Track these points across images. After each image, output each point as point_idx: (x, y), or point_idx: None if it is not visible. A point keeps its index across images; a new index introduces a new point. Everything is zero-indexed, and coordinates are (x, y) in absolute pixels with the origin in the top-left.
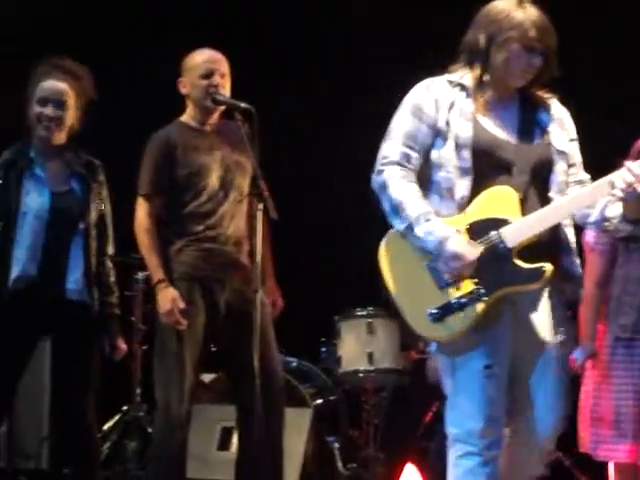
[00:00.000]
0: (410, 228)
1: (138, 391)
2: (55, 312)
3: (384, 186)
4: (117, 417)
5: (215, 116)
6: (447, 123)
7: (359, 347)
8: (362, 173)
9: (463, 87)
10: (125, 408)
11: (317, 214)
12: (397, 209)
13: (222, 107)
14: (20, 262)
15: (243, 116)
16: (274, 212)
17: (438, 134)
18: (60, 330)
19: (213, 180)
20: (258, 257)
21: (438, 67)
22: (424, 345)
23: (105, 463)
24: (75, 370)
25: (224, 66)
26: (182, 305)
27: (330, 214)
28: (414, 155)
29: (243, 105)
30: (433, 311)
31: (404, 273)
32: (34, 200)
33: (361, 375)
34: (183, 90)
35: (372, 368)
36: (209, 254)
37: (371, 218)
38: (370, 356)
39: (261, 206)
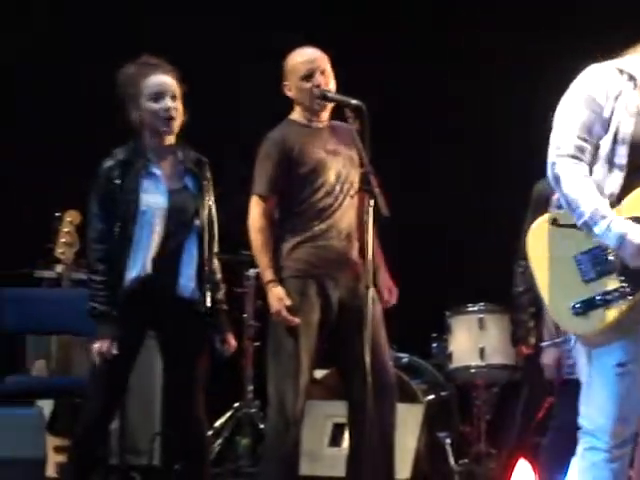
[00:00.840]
0: (586, 225)
1: (250, 388)
2: (167, 309)
3: (558, 180)
4: (229, 414)
5: (325, 113)
6: (612, 113)
7: (470, 343)
8: (477, 167)
9: (632, 77)
10: (237, 405)
11: (430, 208)
12: (572, 205)
13: (330, 104)
14: (138, 261)
15: (353, 113)
16: (385, 208)
17: (605, 125)
18: (171, 326)
19: (330, 176)
20: (369, 253)
21: None
22: (536, 340)
23: (217, 460)
24: (185, 366)
25: (324, 63)
26: (289, 302)
27: (443, 208)
28: (588, 147)
29: (354, 102)
30: (576, 304)
31: (549, 262)
32: (152, 199)
33: (472, 371)
34: (289, 93)
35: (483, 364)
36: (323, 251)
37: (484, 212)
38: (481, 351)
39: (372, 202)
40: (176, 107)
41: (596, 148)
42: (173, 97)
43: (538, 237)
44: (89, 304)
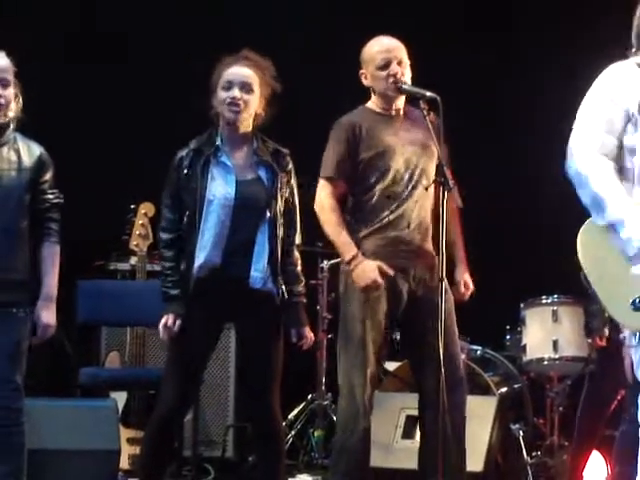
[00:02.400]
0: (612, 227)
1: (323, 380)
2: (239, 300)
3: (583, 178)
4: (302, 405)
5: (400, 102)
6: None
7: (544, 335)
8: (552, 158)
9: None
10: (310, 396)
11: (503, 199)
12: (598, 205)
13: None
14: (205, 250)
15: (428, 105)
16: (459, 200)
17: (629, 120)
18: (245, 318)
19: (399, 162)
20: (442, 245)
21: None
22: (609, 332)
23: (290, 451)
24: (260, 358)
25: (401, 53)
26: (390, 270)
27: (517, 200)
28: (612, 143)
29: (429, 94)
30: (636, 299)
31: (605, 258)
32: (220, 188)
33: (546, 363)
34: (365, 82)
35: (557, 356)
36: (393, 241)
37: (560, 204)
38: (555, 344)
39: (446, 194)
40: (246, 99)
41: (619, 146)
42: (244, 88)
43: (590, 233)
44: (162, 290)
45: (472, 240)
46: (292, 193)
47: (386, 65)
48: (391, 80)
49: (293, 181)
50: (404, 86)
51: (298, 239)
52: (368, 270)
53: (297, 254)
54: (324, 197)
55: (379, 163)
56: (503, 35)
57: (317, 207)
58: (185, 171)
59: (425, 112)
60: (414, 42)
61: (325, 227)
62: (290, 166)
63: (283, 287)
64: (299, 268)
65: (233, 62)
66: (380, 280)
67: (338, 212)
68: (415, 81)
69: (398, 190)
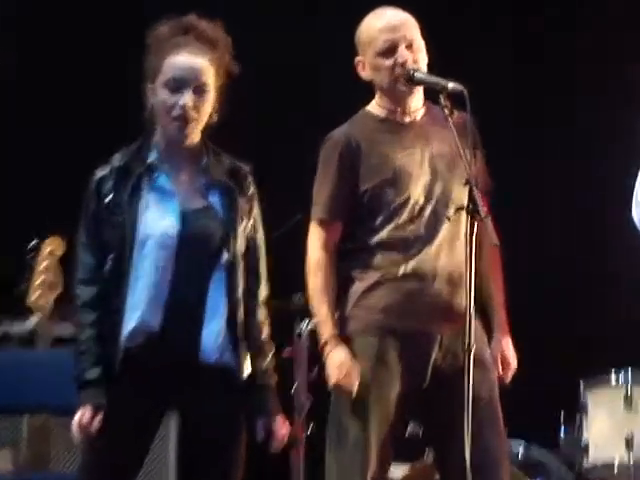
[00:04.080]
0: None
1: None
2: (185, 380)
3: None
4: None
5: (414, 100)
6: None
7: (614, 428)
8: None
9: None
10: None
11: (551, 235)
12: None
13: (421, 88)
14: (138, 310)
15: (451, 100)
16: (493, 235)
17: None
18: (192, 406)
19: (416, 190)
20: (469, 299)
21: None
22: None
23: None
24: (212, 462)
25: (410, 30)
26: (355, 370)
27: (569, 238)
28: None
29: (451, 85)
30: None
31: None
32: (158, 222)
33: (617, 471)
34: (363, 73)
35: (632, 460)
36: (411, 297)
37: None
38: (629, 442)
39: (476, 226)
40: (199, 105)
41: None
42: (198, 90)
43: None
44: (75, 371)
45: (514, 296)
46: (255, 226)
47: (391, 50)
48: (399, 71)
49: (257, 210)
50: (417, 74)
51: (265, 291)
52: (332, 366)
53: (264, 313)
54: (313, 249)
55: (389, 194)
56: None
57: (307, 261)
58: (108, 198)
59: (447, 111)
60: (428, 14)
61: (309, 291)
62: (252, 189)
63: (247, 361)
64: (265, 334)
65: (180, 44)
66: (351, 381)
67: (327, 271)
68: (434, 70)
69: (417, 229)
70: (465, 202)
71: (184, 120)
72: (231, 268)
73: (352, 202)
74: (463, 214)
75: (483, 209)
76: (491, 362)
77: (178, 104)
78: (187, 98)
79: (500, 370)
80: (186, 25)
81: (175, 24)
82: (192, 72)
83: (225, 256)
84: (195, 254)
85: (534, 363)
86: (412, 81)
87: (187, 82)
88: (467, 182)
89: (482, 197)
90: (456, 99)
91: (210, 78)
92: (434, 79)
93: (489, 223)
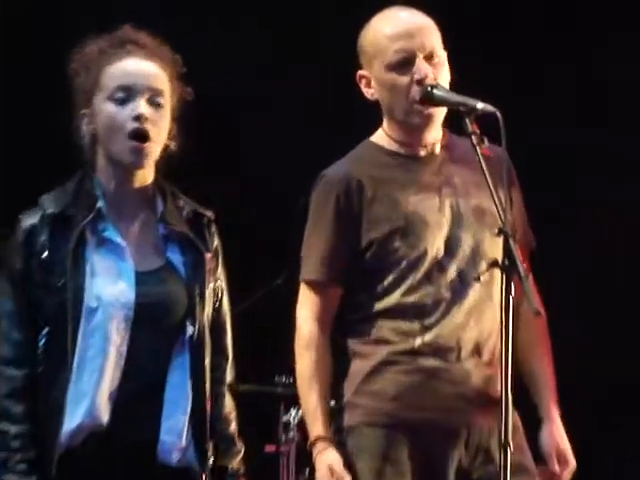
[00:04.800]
0: None
1: None
2: None
3: None
4: None
5: (433, 129)
6: None
7: None
8: None
9: None
10: None
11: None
12: None
13: (442, 111)
14: (83, 401)
15: (480, 126)
16: (535, 301)
17: None
18: None
19: (435, 242)
20: (507, 380)
21: None
22: None
23: None
24: None
25: (430, 37)
26: (348, 477)
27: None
28: None
29: (480, 106)
30: None
31: None
32: (108, 287)
33: None
34: (368, 92)
35: None
36: (429, 379)
37: None
38: None
39: (513, 287)
40: (156, 120)
41: None
42: (154, 99)
43: None
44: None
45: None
46: (221, 289)
47: (406, 62)
48: (416, 91)
49: (221, 268)
50: (438, 92)
51: (231, 374)
52: (320, 471)
53: (229, 401)
54: (304, 319)
55: (400, 247)
56: None
57: (295, 335)
58: (42, 255)
59: (475, 139)
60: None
61: (297, 373)
62: (217, 241)
63: (211, 459)
64: (233, 427)
65: (122, 52)
66: None
67: (321, 349)
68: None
69: (437, 292)
70: (499, 257)
71: (141, 136)
72: (197, 345)
73: (353, 259)
74: (497, 273)
75: (523, 266)
76: (534, 467)
77: (131, 115)
78: (142, 107)
79: (556, 469)
80: (123, 37)
81: (109, 37)
82: (144, 77)
83: (189, 330)
84: (153, 328)
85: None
86: (430, 100)
87: (139, 89)
88: (501, 231)
89: (522, 252)
90: (487, 124)
91: (165, 87)
92: (459, 98)
93: (530, 285)
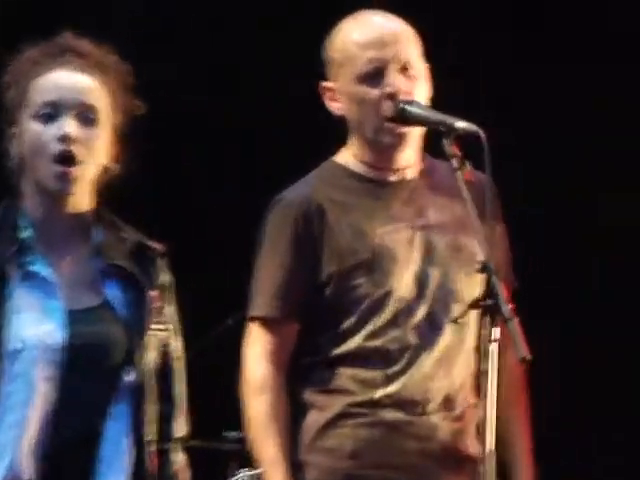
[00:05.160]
0: None
1: None
2: None
3: None
4: None
5: (405, 150)
6: None
7: None
8: None
9: None
10: None
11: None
12: None
13: (417, 131)
14: (3, 454)
15: (460, 147)
16: (522, 346)
17: None
18: None
19: (403, 280)
20: (489, 439)
21: None
22: None
23: None
24: None
25: (405, 47)
26: None
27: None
28: None
29: (461, 125)
30: None
31: None
32: (34, 327)
33: None
34: (333, 107)
35: None
36: (393, 435)
37: None
38: None
39: (496, 332)
40: (87, 140)
41: None
42: (85, 116)
43: None
44: None
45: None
46: (170, 331)
47: (377, 74)
48: (388, 106)
49: (172, 309)
50: (410, 107)
51: (184, 427)
52: None
53: (182, 458)
54: (254, 361)
55: (363, 284)
56: None
57: (245, 379)
58: None
59: (456, 163)
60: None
61: (248, 423)
62: (166, 277)
63: None
64: None
65: (55, 63)
66: None
67: (275, 394)
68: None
69: (403, 337)
70: (480, 297)
71: (67, 159)
72: (138, 394)
73: (311, 293)
74: (471, 316)
75: (508, 307)
76: None
77: (56, 136)
78: (68, 126)
79: None
80: (61, 45)
81: (46, 45)
82: (74, 91)
83: (129, 376)
84: (87, 374)
85: None
86: (404, 119)
87: (67, 104)
88: (484, 268)
89: (506, 291)
90: (468, 145)
91: (102, 103)
92: (437, 116)
93: (517, 328)
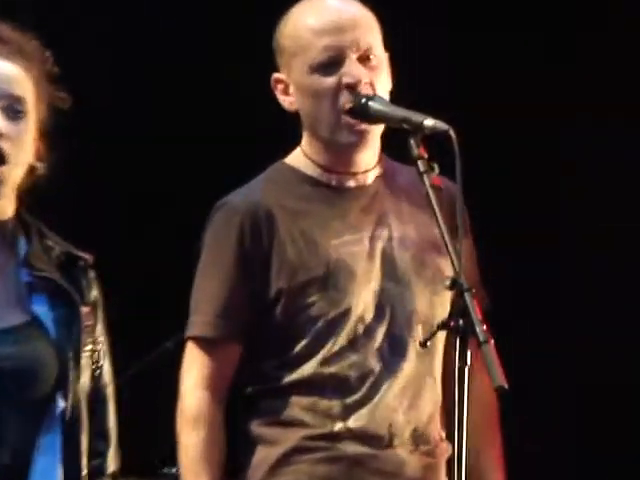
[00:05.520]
0: None
1: None
2: None
3: None
4: None
5: (366, 152)
6: None
7: None
8: None
9: None
10: None
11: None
12: None
13: (378, 129)
14: None
15: (427, 148)
16: (498, 372)
17: None
18: None
19: (362, 300)
20: (463, 474)
21: None
22: None
23: None
24: None
25: (366, 33)
26: None
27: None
28: None
29: (429, 123)
30: None
31: None
32: None
33: None
34: (285, 101)
35: None
36: (352, 470)
37: None
38: None
39: (470, 356)
40: (15, 135)
41: None
42: (12, 108)
43: None
44: None
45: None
46: (101, 352)
47: (333, 63)
48: (346, 99)
49: (102, 327)
50: (373, 102)
51: (114, 462)
52: None
53: None
54: (191, 387)
55: (317, 303)
56: None
57: (180, 406)
58: None
59: (422, 166)
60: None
61: (181, 456)
62: (96, 291)
63: None
64: None
65: None
66: None
67: (213, 425)
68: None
69: (363, 362)
70: (449, 317)
71: None
72: (70, 423)
73: (258, 311)
74: (439, 341)
75: (482, 328)
76: None
77: None
78: None
79: None
80: None
81: None
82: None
83: (61, 403)
84: (13, 401)
85: None
86: (365, 115)
87: None
88: (453, 285)
89: (479, 311)
90: (436, 146)
91: (28, 94)
92: (402, 113)
93: (492, 352)
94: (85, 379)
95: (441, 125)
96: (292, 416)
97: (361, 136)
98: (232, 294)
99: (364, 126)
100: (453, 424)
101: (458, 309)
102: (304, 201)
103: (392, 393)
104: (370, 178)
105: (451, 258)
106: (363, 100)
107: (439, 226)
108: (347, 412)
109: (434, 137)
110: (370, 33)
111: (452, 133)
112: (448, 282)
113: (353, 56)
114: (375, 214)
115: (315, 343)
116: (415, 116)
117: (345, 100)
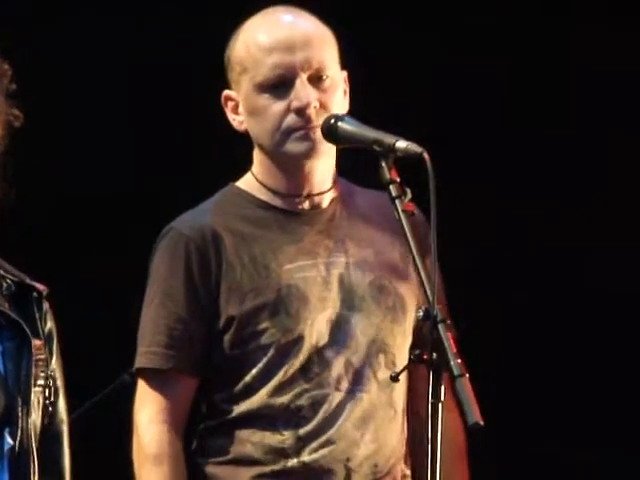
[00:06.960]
0: None
1: None
2: None
3: None
4: None
5: (320, 172)
6: None
7: None
8: None
9: None
10: None
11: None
12: None
13: (332, 150)
14: None
15: (398, 171)
16: (474, 410)
17: None
18: None
19: (315, 327)
20: None
21: None
22: None
23: None
24: None
25: (319, 51)
26: None
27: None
28: None
29: (402, 145)
30: None
31: None
32: None
33: None
34: (235, 121)
35: None
36: None
37: None
38: None
39: (441, 391)
40: None
41: None
42: None
43: None
44: None
45: None
46: (55, 388)
47: (283, 82)
48: (291, 122)
49: (58, 362)
50: (344, 123)
51: None
52: None
53: None
54: (147, 424)
55: (268, 330)
56: None
57: (136, 447)
58: None
59: (394, 193)
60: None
61: None
62: (50, 323)
63: None
64: None
65: None
66: None
67: (173, 463)
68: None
69: (317, 393)
70: (404, 349)
71: None
72: (19, 463)
73: (208, 342)
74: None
75: (457, 362)
76: None
77: None
78: None
79: None
80: None
81: None
82: None
83: (9, 442)
84: None
85: None
86: (333, 136)
87: None
88: (426, 315)
89: (451, 337)
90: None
91: None
92: (373, 134)
93: (467, 387)
94: (36, 416)
95: (414, 147)
96: (243, 453)
97: (311, 144)
98: (181, 324)
99: (312, 134)
100: (425, 462)
101: (432, 342)
102: (255, 226)
103: (350, 424)
104: (326, 201)
105: (424, 288)
106: (332, 120)
107: (412, 255)
108: (300, 445)
109: (410, 157)
110: (324, 51)
111: (426, 155)
112: (421, 313)
113: (304, 76)
114: (332, 239)
115: (265, 372)
116: (387, 138)
117: (291, 122)
